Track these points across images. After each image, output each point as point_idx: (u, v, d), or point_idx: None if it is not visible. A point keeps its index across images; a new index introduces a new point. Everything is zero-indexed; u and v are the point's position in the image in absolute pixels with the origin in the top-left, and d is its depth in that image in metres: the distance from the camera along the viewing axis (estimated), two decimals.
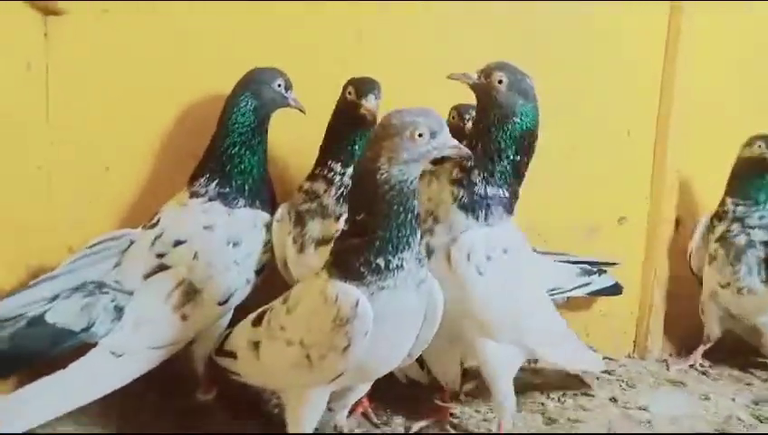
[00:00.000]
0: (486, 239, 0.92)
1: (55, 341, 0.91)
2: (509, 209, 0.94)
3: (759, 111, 1.49)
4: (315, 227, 1.03)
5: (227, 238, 1.02)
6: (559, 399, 1.22)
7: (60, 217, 1.15)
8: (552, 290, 1.30)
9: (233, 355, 0.93)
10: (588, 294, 1.39)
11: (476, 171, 0.92)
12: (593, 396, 1.23)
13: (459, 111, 1.21)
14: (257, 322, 0.90)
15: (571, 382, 1.28)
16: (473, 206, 0.91)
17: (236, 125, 1.05)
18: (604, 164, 1.45)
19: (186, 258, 0.99)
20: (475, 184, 0.91)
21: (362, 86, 1.04)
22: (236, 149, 1.05)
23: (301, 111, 1.12)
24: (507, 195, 0.93)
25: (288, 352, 0.81)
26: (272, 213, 1.10)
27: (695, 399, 1.24)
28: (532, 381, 1.26)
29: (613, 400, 1.23)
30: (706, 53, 1.45)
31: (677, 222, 1.51)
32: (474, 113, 1.11)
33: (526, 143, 0.94)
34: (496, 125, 0.92)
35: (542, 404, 1.19)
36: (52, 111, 1.15)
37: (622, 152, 1.47)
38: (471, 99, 1.12)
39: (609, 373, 1.33)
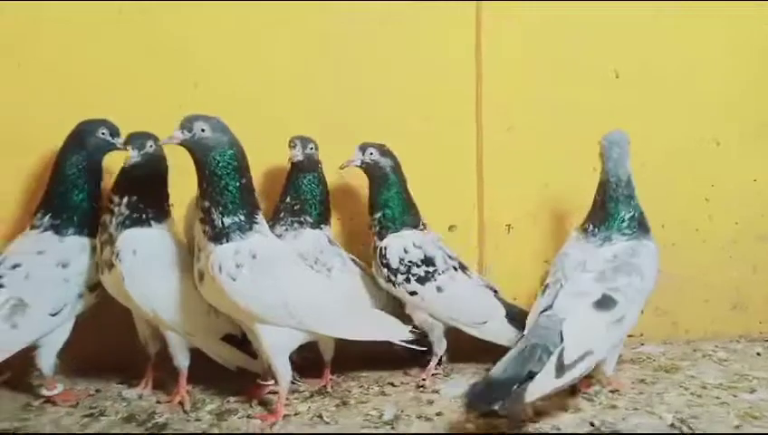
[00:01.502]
0: (233, 252, 1.16)
1: None
2: (250, 226, 1.18)
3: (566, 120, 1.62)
4: (107, 254, 1.28)
5: (57, 261, 1.29)
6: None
7: None
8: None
9: None
10: None
11: (213, 208, 1.16)
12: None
13: (295, 141, 1.44)
14: None
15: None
16: (217, 236, 1.17)
17: (65, 171, 1.32)
18: (433, 176, 1.61)
19: (19, 278, 1.25)
20: (215, 220, 1.16)
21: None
22: (65, 189, 1.32)
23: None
24: (244, 217, 1.17)
25: None
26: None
27: None
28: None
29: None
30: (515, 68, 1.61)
31: (509, 227, 1.67)
32: (309, 144, 1.44)
33: (238, 166, 1.16)
34: (210, 167, 1.14)
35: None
36: None
37: (448, 164, 1.62)
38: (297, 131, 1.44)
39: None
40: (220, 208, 1.15)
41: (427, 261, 1.41)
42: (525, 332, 1.20)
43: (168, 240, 1.30)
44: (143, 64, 1.52)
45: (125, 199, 1.26)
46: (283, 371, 1.21)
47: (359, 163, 1.42)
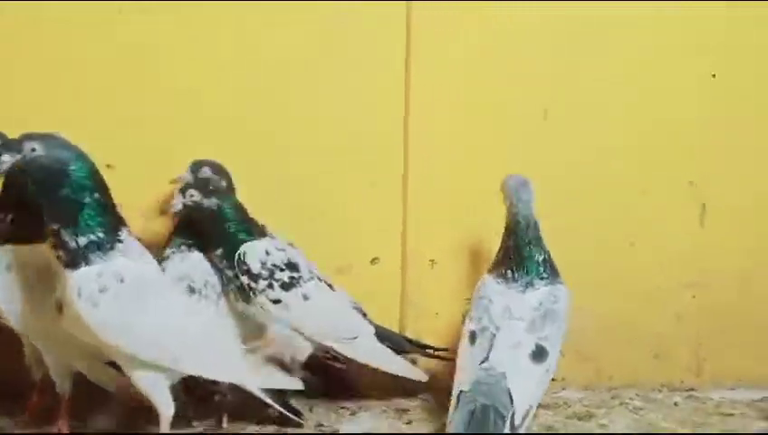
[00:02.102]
0: (97, 275, 1.04)
1: None
2: (111, 246, 1.06)
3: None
4: None
5: None
6: None
7: None
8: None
9: None
10: None
11: (62, 230, 1.04)
12: None
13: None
14: None
15: None
16: (73, 260, 1.04)
17: None
18: (356, 206, 1.59)
19: None
20: (67, 241, 1.04)
21: None
22: None
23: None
24: (103, 236, 1.05)
25: None
26: None
27: None
28: None
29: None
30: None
31: (432, 262, 1.63)
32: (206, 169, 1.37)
33: (86, 180, 1.05)
34: (50, 188, 1.04)
35: None
36: None
37: (370, 199, 1.59)
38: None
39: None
40: (71, 228, 1.04)
41: (291, 266, 1.32)
42: (462, 386, 1.15)
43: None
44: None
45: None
46: (164, 403, 1.11)
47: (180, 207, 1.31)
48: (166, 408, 1.11)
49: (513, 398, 1.11)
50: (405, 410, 1.41)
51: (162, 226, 1.49)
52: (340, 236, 1.57)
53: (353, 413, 1.38)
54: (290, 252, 1.33)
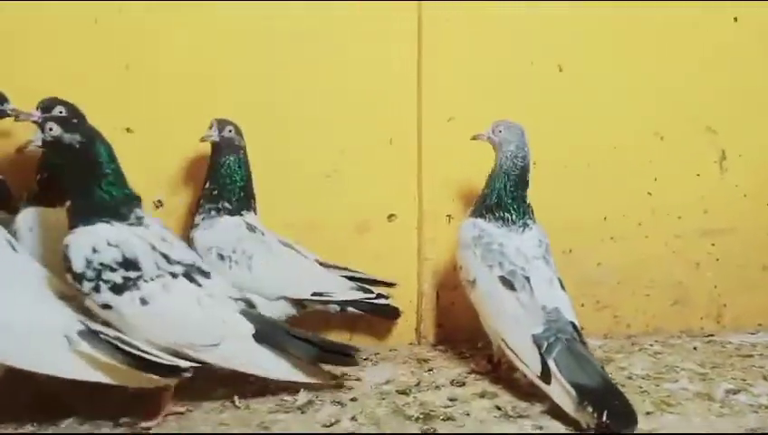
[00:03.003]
0: None
1: None
2: None
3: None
4: None
5: None
6: None
7: None
8: (318, 294, 1.43)
9: None
10: (364, 311, 1.49)
11: None
12: None
13: (212, 122, 1.42)
14: None
15: None
16: None
17: None
18: (371, 167, 1.61)
19: None
20: None
21: None
22: None
23: (16, 118, 1.28)
24: None
25: None
26: None
27: None
28: None
29: None
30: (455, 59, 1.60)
31: (449, 217, 1.65)
32: (228, 127, 1.42)
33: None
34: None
35: None
36: None
37: (387, 156, 1.61)
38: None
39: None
40: None
41: (128, 264, 1.10)
42: (531, 330, 1.15)
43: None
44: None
45: None
46: None
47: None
48: None
49: (576, 325, 1.18)
50: (425, 360, 1.46)
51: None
52: (357, 194, 1.60)
53: (374, 363, 1.44)
54: (130, 246, 1.11)
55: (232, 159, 1.42)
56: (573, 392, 1.04)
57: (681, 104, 1.71)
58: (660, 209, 1.70)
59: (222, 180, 1.41)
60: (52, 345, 1.05)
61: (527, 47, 1.65)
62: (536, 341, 1.15)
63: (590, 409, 1.00)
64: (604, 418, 0.97)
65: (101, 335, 1.07)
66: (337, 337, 1.59)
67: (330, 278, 1.48)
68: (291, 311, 1.44)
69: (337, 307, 1.47)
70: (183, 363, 1.08)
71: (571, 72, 1.66)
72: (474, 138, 1.44)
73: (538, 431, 1.03)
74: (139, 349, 1.07)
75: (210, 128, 1.42)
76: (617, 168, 1.68)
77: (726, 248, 1.72)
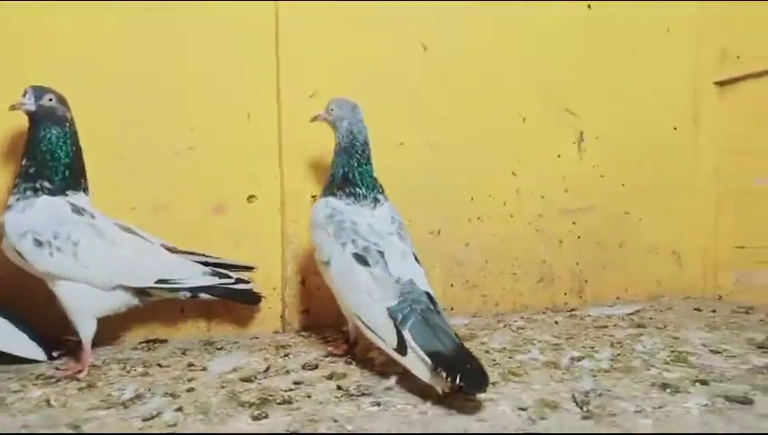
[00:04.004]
0: None
1: None
2: None
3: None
4: None
5: None
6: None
7: None
8: (164, 281, 1.30)
9: None
10: (221, 297, 1.40)
11: None
12: None
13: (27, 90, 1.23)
14: None
15: None
16: None
17: None
18: (228, 144, 1.52)
19: None
20: None
21: None
22: None
23: None
24: None
25: None
26: None
27: None
28: None
29: None
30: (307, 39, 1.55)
31: (314, 198, 1.59)
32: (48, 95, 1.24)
33: None
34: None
35: None
36: None
37: (245, 132, 1.53)
38: None
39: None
40: None
41: None
42: (385, 302, 1.11)
43: None
44: None
45: None
46: None
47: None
48: None
49: (431, 295, 1.16)
50: (284, 346, 1.38)
51: None
52: (212, 174, 1.50)
53: (228, 352, 1.32)
54: None
55: (54, 132, 1.25)
56: (428, 360, 1.02)
57: (542, 86, 1.76)
58: (524, 189, 1.74)
59: (41, 156, 1.24)
60: None
61: (392, 25, 1.62)
62: (391, 314, 1.11)
63: (443, 374, 0.98)
64: (457, 381, 0.96)
65: None
66: (193, 327, 1.50)
67: (179, 264, 1.35)
68: (132, 300, 1.31)
69: (188, 294, 1.35)
70: None
71: (435, 53, 1.66)
72: (312, 120, 1.40)
73: (375, 408, 0.98)
74: None
75: (24, 95, 1.24)
76: (482, 148, 1.70)
77: (586, 226, 1.79)
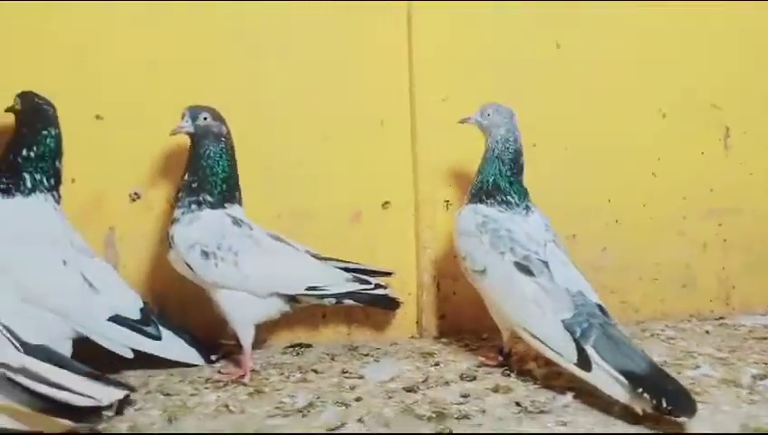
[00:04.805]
0: None
1: None
2: None
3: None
4: None
5: None
6: None
7: None
8: (313, 288, 1.33)
9: None
10: (362, 303, 1.41)
11: None
12: None
13: (184, 111, 1.30)
14: None
15: None
16: None
17: None
18: (361, 151, 1.52)
19: None
20: None
21: None
22: None
23: None
24: None
25: None
26: None
27: None
28: None
29: None
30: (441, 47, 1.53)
31: (448, 203, 1.56)
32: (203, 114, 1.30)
33: None
34: None
35: None
36: None
37: (378, 141, 1.52)
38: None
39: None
40: None
41: None
42: (560, 315, 1.08)
43: None
44: None
45: None
46: None
47: None
48: None
49: (603, 308, 1.13)
50: (430, 354, 1.37)
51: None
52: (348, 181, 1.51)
53: (376, 359, 1.34)
54: None
55: (213, 148, 1.30)
56: (623, 379, 0.97)
57: (683, 81, 1.64)
58: (665, 190, 1.63)
59: (202, 172, 1.30)
60: None
61: (523, 24, 1.57)
62: (567, 327, 1.07)
63: (646, 396, 0.93)
64: (664, 404, 0.91)
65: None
66: (334, 332, 1.52)
67: (324, 270, 1.38)
68: (284, 307, 1.34)
69: (333, 300, 1.37)
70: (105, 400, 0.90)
71: (569, 50, 1.59)
72: (461, 121, 1.36)
73: (562, 428, 0.95)
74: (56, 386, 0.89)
75: (182, 118, 1.30)
76: (619, 148, 1.61)
77: (733, 228, 1.66)
